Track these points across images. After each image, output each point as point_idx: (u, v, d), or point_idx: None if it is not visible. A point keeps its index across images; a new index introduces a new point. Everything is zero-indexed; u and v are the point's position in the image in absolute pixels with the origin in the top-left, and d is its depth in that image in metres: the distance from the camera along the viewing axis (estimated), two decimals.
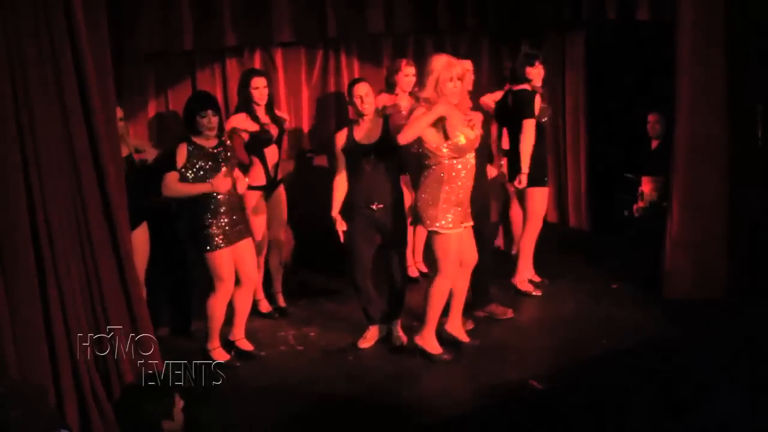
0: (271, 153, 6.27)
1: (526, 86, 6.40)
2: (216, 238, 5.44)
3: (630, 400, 4.81)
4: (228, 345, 5.82)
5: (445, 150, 5.26)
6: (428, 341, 5.58)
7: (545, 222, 6.85)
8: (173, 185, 5.37)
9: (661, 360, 5.37)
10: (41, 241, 4.40)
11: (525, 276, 6.73)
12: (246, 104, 6.17)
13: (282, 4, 6.72)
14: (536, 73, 6.43)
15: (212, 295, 5.60)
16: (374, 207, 5.63)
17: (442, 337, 5.69)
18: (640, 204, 7.43)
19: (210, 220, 5.42)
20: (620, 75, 7.84)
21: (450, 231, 5.35)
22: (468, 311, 6.01)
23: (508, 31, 8.13)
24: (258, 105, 6.16)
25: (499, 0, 7.74)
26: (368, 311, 5.90)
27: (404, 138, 5.25)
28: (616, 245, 7.59)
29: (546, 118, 6.50)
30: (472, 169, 5.39)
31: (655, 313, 6.14)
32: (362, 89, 5.67)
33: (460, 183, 5.33)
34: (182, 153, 5.39)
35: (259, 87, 6.14)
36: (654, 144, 7.55)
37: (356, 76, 7.37)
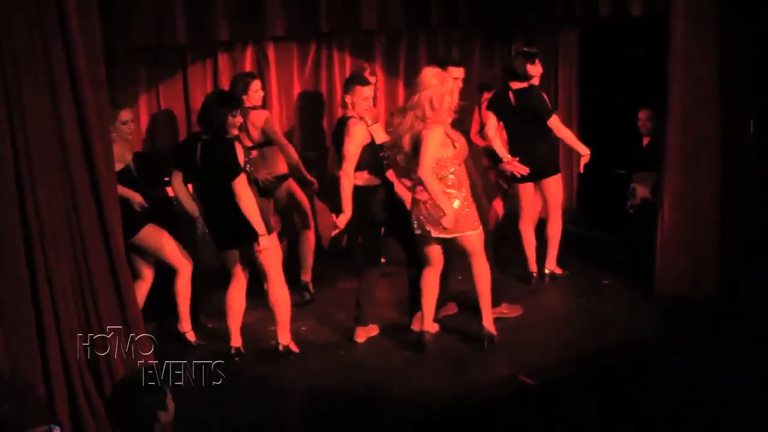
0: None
1: (525, 84, 6.47)
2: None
3: (619, 395, 4.83)
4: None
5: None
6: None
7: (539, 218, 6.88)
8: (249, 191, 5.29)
9: (651, 357, 5.39)
10: (32, 238, 4.37)
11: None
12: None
13: None
14: (536, 71, 6.49)
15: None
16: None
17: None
18: (633, 201, 7.44)
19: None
20: (613, 71, 7.84)
21: None
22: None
23: (500, 27, 8.13)
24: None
25: None
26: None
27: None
28: (608, 241, 7.60)
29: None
30: None
31: (646, 310, 6.15)
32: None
33: None
34: (241, 152, 5.31)
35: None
36: (645, 141, 7.55)
37: (348, 72, 7.36)
